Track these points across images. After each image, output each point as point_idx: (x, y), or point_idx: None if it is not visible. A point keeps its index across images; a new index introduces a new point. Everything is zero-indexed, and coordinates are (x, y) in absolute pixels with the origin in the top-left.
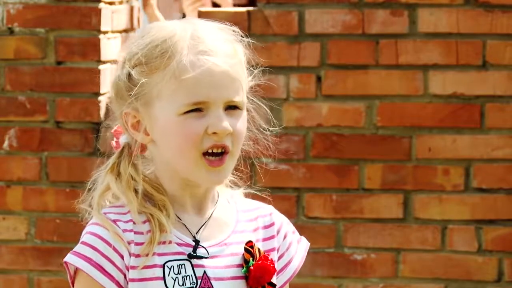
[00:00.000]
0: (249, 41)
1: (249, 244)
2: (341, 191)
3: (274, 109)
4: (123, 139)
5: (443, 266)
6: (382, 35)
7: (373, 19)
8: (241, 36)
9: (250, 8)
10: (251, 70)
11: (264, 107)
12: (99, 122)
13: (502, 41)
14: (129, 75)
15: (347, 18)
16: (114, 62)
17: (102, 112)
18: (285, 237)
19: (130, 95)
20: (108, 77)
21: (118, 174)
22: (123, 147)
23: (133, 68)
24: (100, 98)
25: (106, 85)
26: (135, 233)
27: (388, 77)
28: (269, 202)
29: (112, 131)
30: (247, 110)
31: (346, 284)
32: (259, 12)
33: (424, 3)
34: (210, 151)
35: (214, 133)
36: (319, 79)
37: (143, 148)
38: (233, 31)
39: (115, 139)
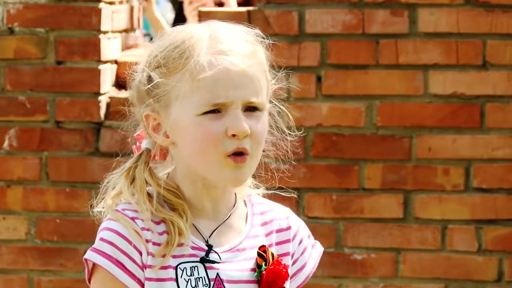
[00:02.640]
0: (270, 42)
1: (262, 248)
2: (341, 191)
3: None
4: (144, 144)
5: (443, 266)
6: (382, 35)
7: (373, 19)
8: (263, 38)
9: (250, 8)
10: (274, 73)
11: (286, 111)
12: (99, 122)
13: (502, 41)
14: (149, 78)
15: (347, 18)
16: (114, 62)
17: (102, 112)
18: (300, 242)
19: (151, 97)
20: (108, 77)
21: (133, 179)
22: (142, 152)
23: (153, 70)
24: (100, 98)
25: (106, 85)
26: (153, 232)
27: (388, 77)
28: (293, 202)
29: (135, 135)
30: (270, 114)
31: (346, 284)
32: (259, 12)
33: (424, 3)
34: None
35: (234, 135)
36: (319, 79)
37: (164, 153)
38: (255, 34)
39: (137, 143)
